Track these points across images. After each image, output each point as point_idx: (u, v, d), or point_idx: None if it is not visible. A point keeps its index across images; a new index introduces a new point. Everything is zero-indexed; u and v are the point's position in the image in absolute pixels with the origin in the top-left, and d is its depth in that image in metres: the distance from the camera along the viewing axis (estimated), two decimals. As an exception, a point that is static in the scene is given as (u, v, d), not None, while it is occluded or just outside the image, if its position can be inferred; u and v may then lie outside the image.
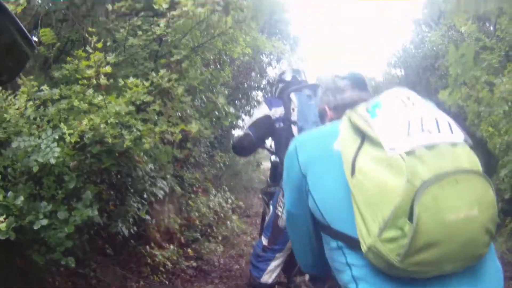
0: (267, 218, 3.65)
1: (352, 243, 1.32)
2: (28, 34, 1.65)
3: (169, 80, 3.69)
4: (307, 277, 3.51)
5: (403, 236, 1.14)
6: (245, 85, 10.60)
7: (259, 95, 13.07)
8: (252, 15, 4.80)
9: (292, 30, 12.69)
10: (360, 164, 1.27)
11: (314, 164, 1.51)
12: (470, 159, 1.24)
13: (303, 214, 1.58)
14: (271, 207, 3.58)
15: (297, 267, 3.48)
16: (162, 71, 3.70)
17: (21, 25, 1.60)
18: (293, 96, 3.52)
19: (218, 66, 5.52)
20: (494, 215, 1.23)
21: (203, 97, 4.95)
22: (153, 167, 4.10)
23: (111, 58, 3.53)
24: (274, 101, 3.81)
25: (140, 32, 4.11)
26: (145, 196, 4.28)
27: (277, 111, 3.60)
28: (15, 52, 1.63)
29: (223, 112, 4.87)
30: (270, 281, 3.45)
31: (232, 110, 4.62)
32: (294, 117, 3.45)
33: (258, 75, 12.57)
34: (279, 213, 3.42)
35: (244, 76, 8.69)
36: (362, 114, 1.35)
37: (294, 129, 3.43)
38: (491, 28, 7.24)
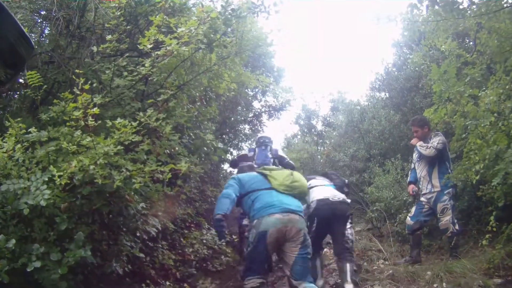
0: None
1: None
2: (27, 34, 1.66)
3: (157, 120, 3.75)
4: None
5: None
6: (232, 119, 10.71)
7: (246, 128, 13.20)
8: (236, 51, 4.94)
9: (276, 62, 12.97)
10: None
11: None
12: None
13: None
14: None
15: None
16: (150, 111, 3.78)
17: (21, 26, 1.61)
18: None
19: (205, 103, 5.59)
20: None
21: (191, 134, 5.00)
22: (144, 205, 4.11)
23: (98, 99, 3.60)
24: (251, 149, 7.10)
25: (125, 73, 4.20)
26: (137, 234, 4.26)
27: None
28: (15, 53, 1.66)
29: (212, 148, 4.94)
30: None
31: (220, 145, 4.68)
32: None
33: (244, 109, 12.76)
34: None
35: (230, 110, 8.75)
36: None
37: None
38: (471, 43, 7.42)
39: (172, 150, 4.14)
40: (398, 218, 7.16)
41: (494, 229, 4.53)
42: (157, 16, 4.15)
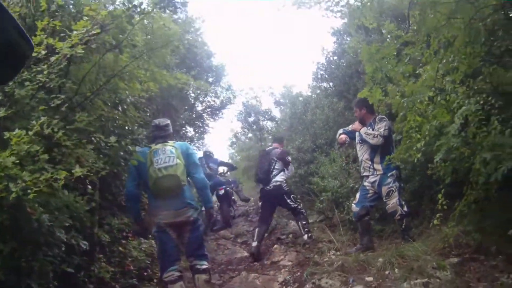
0: None
1: None
2: (26, 34, 1.60)
3: (55, 128, 3.47)
4: None
5: None
6: (177, 122, 10.26)
7: (189, 130, 12.79)
8: (147, 49, 4.62)
9: (215, 61, 12.72)
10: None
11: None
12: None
13: None
14: None
15: None
16: (43, 119, 3.48)
17: (19, 24, 1.56)
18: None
19: (125, 107, 5.20)
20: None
21: (101, 141, 4.66)
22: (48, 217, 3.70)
23: (1, 112, 3.42)
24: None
25: (27, 82, 3.85)
26: (63, 248, 3.83)
27: None
28: (14, 52, 1.59)
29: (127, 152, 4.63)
30: None
31: (138, 148, 4.52)
32: None
33: (187, 112, 12.37)
34: None
35: (163, 114, 8.30)
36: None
37: None
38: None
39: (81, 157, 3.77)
40: (346, 206, 6.95)
41: (445, 207, 4.29)
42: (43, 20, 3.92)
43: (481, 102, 3.92)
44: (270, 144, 8.16)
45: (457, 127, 3.99)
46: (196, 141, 13.45)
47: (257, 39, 40.45)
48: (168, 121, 4.78)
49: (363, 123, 5.75)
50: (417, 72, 4.96)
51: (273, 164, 7.02)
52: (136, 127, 6.08)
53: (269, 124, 14.82)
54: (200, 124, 13.33)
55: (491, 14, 4.09)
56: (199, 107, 13.19)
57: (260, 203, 7.23)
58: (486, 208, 4.12)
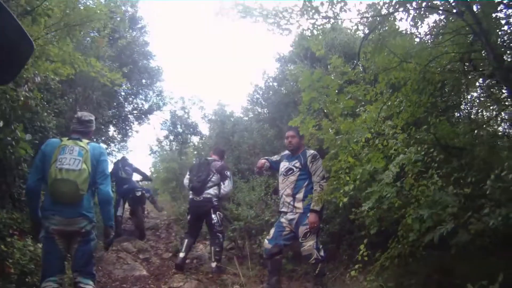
0: None
1: None
2: (27, 34, 1.64)
3: None
4: None
5: None
6: (99, 119, 9.42)
7: (111, 130, 11.94)
8: (65, 23, 4.03)
9: (153, 63, 12.17)
10: None
11: None
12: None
13: None
14: None
15: None
16: None
17: (20, 24, 1.59)
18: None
19: (32, 88, 4.52)
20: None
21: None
22: None
23: None
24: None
25: None
26: None
27: None
28: (14, 52, 1.63)
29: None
30: None
31: (28, 136, 4.15)
32: None
33: (115, 110, 11.60)
34: None
35: (81, 107, 7.52)
36: None
37: None
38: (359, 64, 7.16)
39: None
40: (259, 240, 6.49)
41: (366, 258, 3.94)
42: None
43: (422, 152, 3.63)
44: (209, 155, 7.57)
45: (392, 176, 3.68)
46: (118, 143, 12.61)
47: (199, 48, 39.91)
48: (93, 118, 4.25)
49: (293, 151, 5.37)
50: (357, 111, 4.66)
51: (211, 176, 6.71)
52: (45, 114, 5.39)
53: (193, 139, 14.24)
54: (125, 126, 12.55)
55: (447, 64, 3.87)
56: (127, 108, 12.42)
57: (188, 216, 6.87)
58: (410, 265, 3.79)
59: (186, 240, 6.57)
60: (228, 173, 6.93)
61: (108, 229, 4.02)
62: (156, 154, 14.78)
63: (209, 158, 7.15)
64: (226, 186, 6.75)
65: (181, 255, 6.45)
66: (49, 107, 5.96)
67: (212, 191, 6.65)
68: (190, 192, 6.80)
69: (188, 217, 6.85)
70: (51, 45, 4.13)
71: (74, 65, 4.50)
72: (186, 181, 7.00)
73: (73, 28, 4.22)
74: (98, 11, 4.29)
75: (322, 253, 4.92)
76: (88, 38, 7.90)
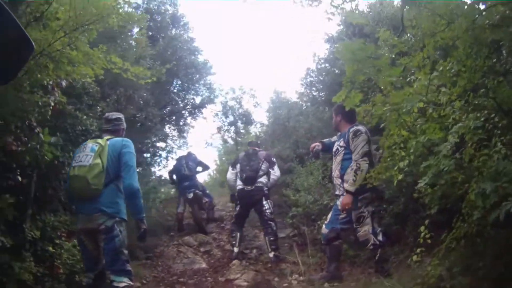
0: None
1: None
2: (27, 34, 1.65)
3: None
4: None
5: None
6: (153, 119, 9.48)
7: (166, 127, 12.03)
8: (76, 26, 3.98)
9: (201, 58, 12.20)
10: None
11: None
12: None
13: None
14: None
15: None
16: None
17: (21, 25, 1.60)
18: None
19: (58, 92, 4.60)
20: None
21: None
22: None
23: None
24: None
25: None
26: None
27: None
28: (15, 52, 1.63)
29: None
30: None
31: (52, 140, 4.22)
32: None
33: (169, 108, 11.71)
34: None
35: (124, 107, 7.56)
36: None
37: None
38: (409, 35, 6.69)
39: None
40: (317, 225, 6.21)
41: (428, 241, 3.56)
42: None
43: (482, 119, 3.19)
44: (248, 148, 7.59)
45: (451, 147, 3.27)
46: (176, 140, 12.74)
47: (247, 38, 39.75)
48: (120, 116, 4.27)
49: (338, 131, 5.06)
50: (407, 80, 4.23)
51: (261, 165, 6.84)
52: (84, 117, 5.47)
53: (251, 129, 14.15)
54: (179, 122, 12.66)
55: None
56: (180, 104, 12.50)
57: (237, 207, 6.89)
58: (477, 245, 3.37)
59: (238, 234, 6.63)
60: (274, 159, 7.01)
61: (137, 223, 3.88)
62: (214, 147, 14.85)
63: (253, 150, 7.20)
64: (276, 172, 6.88)
65: (236, 250, 6.54)
66: (91, 110, 6.01)
67: (263, 179, 6.73)
68: (240, 183, 6.78)
69: (238, 208, 6.86)
70: (68, 47, 4.07)
71: (93, 65, 4.46)
72: (230, 176, 7.04)
73: (87, 27, 4.16)
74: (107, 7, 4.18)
75: (380, 238, 4.57)
76: (131, 41, 8.00)
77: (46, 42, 3.95)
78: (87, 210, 3.69)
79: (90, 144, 3.83)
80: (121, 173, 3.77)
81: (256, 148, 7.30)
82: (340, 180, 4.84)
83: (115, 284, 3.56)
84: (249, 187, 6.65)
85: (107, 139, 3.88)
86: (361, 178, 4.43)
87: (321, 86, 10.45)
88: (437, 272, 3.47)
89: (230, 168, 7.19)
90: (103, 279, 3.70)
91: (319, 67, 10.55)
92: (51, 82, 4.36)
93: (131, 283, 3.63)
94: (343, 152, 4.91)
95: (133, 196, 3.78)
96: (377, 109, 4.08)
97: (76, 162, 3.75)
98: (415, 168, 3.72)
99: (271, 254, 6.21)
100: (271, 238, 6.38)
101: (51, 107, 4.41)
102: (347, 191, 4.59)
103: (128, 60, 5.47)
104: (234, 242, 6.61)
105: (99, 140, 3.86)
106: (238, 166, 6.94)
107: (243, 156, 7.09)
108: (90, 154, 3.72)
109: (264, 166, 6.81)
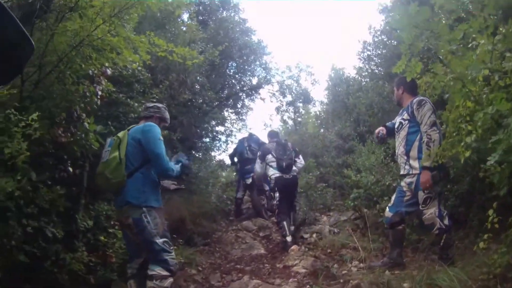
0: None
1: None
2: (27, 34, 1.63)
3: None
4: None
5: None
6: (201, 101, 9.37)
7: (224, 111, 11.97)
8: (118, 8, 3.90)
9: (254, 38, 12.08)
10: None
11: None
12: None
13: None
14: None
15: None
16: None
17: (21, 25, 1.58)
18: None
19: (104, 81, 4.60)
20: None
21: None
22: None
23: None
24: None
25: None
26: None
27: None
28: (15, 52, 1.64)
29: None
30: None
31: (98, 128, 4.24)
32: None
33: (226, 91, 11.64)
34: None
35: (177, 92, 7.48)
36: None
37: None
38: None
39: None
40: (378, 207, 5.85)
41: (496, 225, 3.17)
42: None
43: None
44: (268, 141, 7.59)
45: (523, 119, 2.84)
46: (234, 122, 12.66)
47: (300, 14, 39.17)
48: (158, 105, 4.20)
49: (400, 105, 4.67)
50: (470, 45, 3.76)
51: (293, 154, 7.04)
52: (136, 104, 5.46)
53: (312, 108, 13.78)
54: (237, 104, 12.58)
55: None
56: (237, 86, 12.39)
57: (278, 194, 6.81)
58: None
59: (284, 223, 6.50)
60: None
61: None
62: (272, 128, 14.65)
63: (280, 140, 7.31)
64: (301, 161, 7.17)
65: (289, 239, 6.33)
66: (144, 97, 5.99)
67: (296, 167, 6.98)
68: (277, 172, 6.80)
69: (278, 195, 6.79)
70: (108, 34, 4.01)
71: (137, 50, 4.37)
72: (258, 169, 7.07)
73: (125, 12, 4.05)
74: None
75: (446, 222, 4.15)
76: (182, 27, 7.96)
77: (85, 31, 3.91)
78: (118, 202, 3.71)
79: (109, 139, 3.82)
80: (151, 160, 3.69)
81: (278, 139, 7.30)
82: (406, 157, 4.42)
83: (149, 272, 3.55)
84: (288, 176, 6.77)
85: (128, 129, 3.82)
86: (435, 150, 3.99)
87: (379, 60, 9.96)
88: (504, 261, 3.08)
89: (258, 161, 7.13)
90: (146, 268, 3.65)
91: (375, 39, 10.07)
92: (96, 72, 4.35)
93: (164, 273, 3.52)
94: (407, 125, 4.46)
95: (168, 176, 3.91)
96: (439, 78, 3.68)
97: (102, 158, 3.73)
98: (483, 143, 3.29)
99: (289, 238, 6.28)
100: (293, 223, 6.75)
101: (98, 96, 4.40)
102: (424, 167, 4.19)
103: (180, 45, 5.39)
104: (284, 233, 6.44)
105: (119, 133, 3.80)
106: (269, 157, 6.91)
107: (276, 146, 7.06)
108: (108, 150, 3.70)
109: (293, 155, 6.99)
